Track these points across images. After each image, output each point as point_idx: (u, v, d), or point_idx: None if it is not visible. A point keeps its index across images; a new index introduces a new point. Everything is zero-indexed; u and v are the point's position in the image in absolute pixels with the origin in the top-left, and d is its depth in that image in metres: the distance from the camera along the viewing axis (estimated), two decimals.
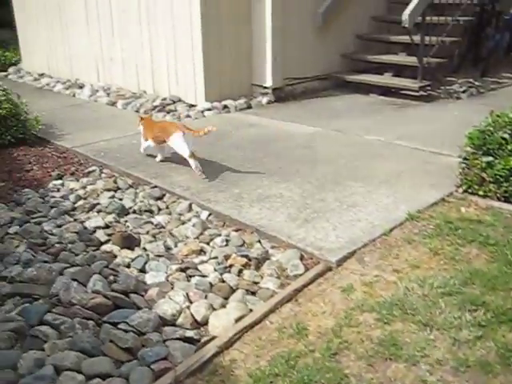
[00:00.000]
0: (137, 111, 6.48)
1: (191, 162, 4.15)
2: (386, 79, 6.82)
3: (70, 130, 5.79)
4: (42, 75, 9.24)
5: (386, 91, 6.74)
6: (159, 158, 4.60)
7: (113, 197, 3.99)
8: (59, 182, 4.39)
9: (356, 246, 3.06)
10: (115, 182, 4.22)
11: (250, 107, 6.36)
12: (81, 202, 3.94)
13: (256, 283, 2.87)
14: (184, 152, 4.18)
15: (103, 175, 4.47)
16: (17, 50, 10.36)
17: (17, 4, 9.73)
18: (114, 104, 6.91)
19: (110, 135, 5.48)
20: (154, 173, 4.31)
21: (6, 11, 10.17)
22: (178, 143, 4.20)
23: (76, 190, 4.16)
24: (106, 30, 7.55)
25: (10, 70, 9.98)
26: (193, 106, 6.41)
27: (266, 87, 6.53)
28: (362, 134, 5.12)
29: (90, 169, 4.60)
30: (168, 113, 6.20)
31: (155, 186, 4.08)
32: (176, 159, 4.50)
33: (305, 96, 6.80)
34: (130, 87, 7.38)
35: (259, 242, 3.25)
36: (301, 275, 2.88)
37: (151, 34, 6.78)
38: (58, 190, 4.18)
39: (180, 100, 6.59)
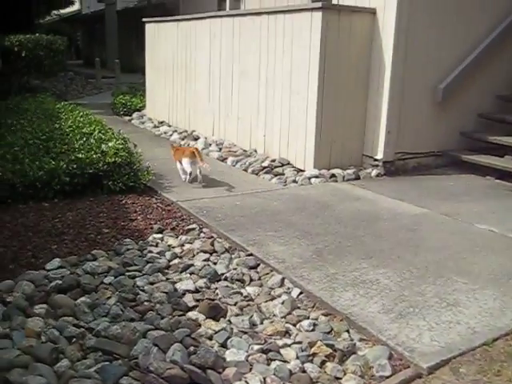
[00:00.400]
0: (245, 170, 6.56)
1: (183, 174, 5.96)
2: (506, 162, 6.44)
3: (177, 182, 5.96)
4: (161, 123, 9.70)
5: (504, 175, 6.36)
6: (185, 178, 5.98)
7: (207, 260, 3.99)
8: (159, 235, 4.47)
9: (452, 353, 2.80)
10: (212, 244, 4.22)
11: (357, 178, 6.23)
12: (176, 261, 3.97)
13: (338, 379, 2.69)
14: (186, 169, 5.86)
15: (202, 235, 4.50)
16: (143, 96, 10.99)
17: (148, 55, 10.36)
18: (223, 160, 7.06)
19: (214, 193, 5.57)
20: (251, 239, 4.27)
21: (142, 58, 10.87)
22: (184, 163, 5.87)
23: (173, 248, 4.22)
24: (225, 87, 7.80)
25: (134, 115, 10.58)
26: (301, 170, 6.40)
27: (376, 159, 6.39)
28: (472, 222, 4.82)
29: (191, 226, 4.66)
30: (275, 175, 6.22)
31: (251, 254, 4.03)
32: (270, 217, 4.46)
33: (416, 172, 6.57)
34: (242, 144, 7.52)
35: (348, 331, 3.08)
36: (387, 377, 2.67)
37: (268, 96, 6.91)
38: (157, 245, 4.25)
39: (289, 163, 6.60)
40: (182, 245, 4.28)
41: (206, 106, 8.33)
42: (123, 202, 5.33)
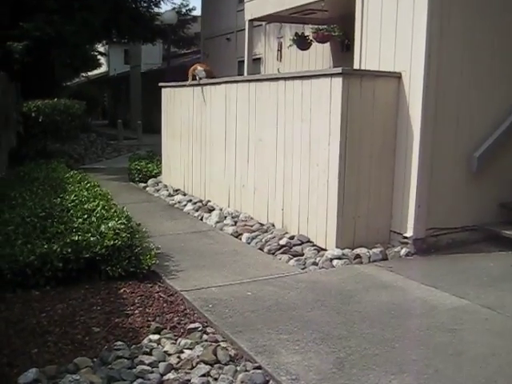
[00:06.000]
0: (260, 249, 5.98)
1: None
2: None
3: (185, 265, 5.40)
4: (177, 191, 9.24)
5: None
6: None
7: (207, 374, 3.36)
8: (156, 337, 3.89)
9: None
10: (215, 351, 3.59)
11: (385, 258, 5.58)
12: (170, 375, 3.36)
13: None
14: None
15: (205, 336, 3.88)
16: (160, 162, 10.60)
17: (164, 120, 10.04)
18: (238, 236, 6.50)
19: (223, 279, 4.98)
20: (261, 345, 3.64)
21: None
22: None
23: (170, 355, 3.61)
24: (241, 156, 7.33)
25: (150, 181, 10.17)
26: (322, 249, 5.78)
27: (405, 237, 5.75)
28: None
29: (193, 325, 4.05)
30: (293, 256, 5.61)
31: (259, 367, 3.39)
32: (284, 314, 3.82)
33: (451, 249, 5.89)
34: (258, 217, 6.97)
35: None
36: None
37: (286, 166, 6.39)
38: (151, 352, 3.64)
39: (309, 241, 5.99)
40: (181, 351, 3.68)
41: (222, 176, 7.84)
42: (121, 290, 4.76)
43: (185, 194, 8.96)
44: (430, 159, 5.74)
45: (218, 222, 7.08)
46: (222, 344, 3.76)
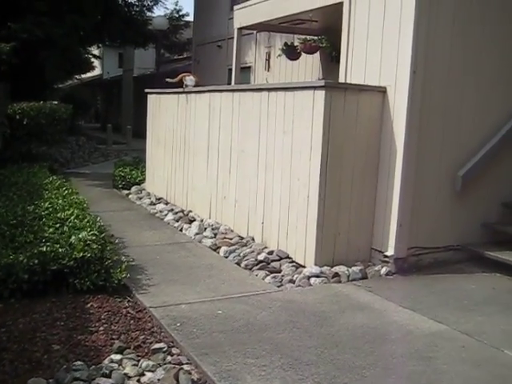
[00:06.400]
0: (238, 263, 5.82)
1: None
2: None
3: (157, 279, 5.22)
4: (159, 199, 9.09)
5: None
6: None
7: None
8: (118, 357, 3.71)
9: None
10: (177, 376, 3.42)
11: (365, 277, 5.43)
12: None
13: None
14: None
15: (169, 358, 3.71)
16: (145, 168, 10.42)
17: (149, 126, 9.89)
18: (216, 249, 6.33)
19: (195, 295, 4.81)
20: (226, 369, 3.47)
21: None
22: None
23: (129, 378, 3.45)
24: (223, 166, 7.18)
25: (133, 189, 10.01)
26: (301, 266, 5.63)
27: (386, 256, 5.60)
28: (500, 346, 3.96)
29: (158, 345, 3.88)
30: (270, 273, 5.45)
31: None
32: (254, 335, 3.66)
33: (432, 269, 5.74)
34: (239, 230, 6.81)
35: None
36: None
37: (267, 179, 6.24)
38: (110, 374, 3.46)
39: (288, 257, 5.84)
40: (142, 374, 3.51)
41: (204, 186, 7.69)
42: (88, 305, 4.58)
43: (167, 203, 8.79)
44: (414, 177, 5.60)
45: (197, 234, 6.91)
46: (186, 367, 3.59)
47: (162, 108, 9.35)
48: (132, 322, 4.33)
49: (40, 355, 3.71)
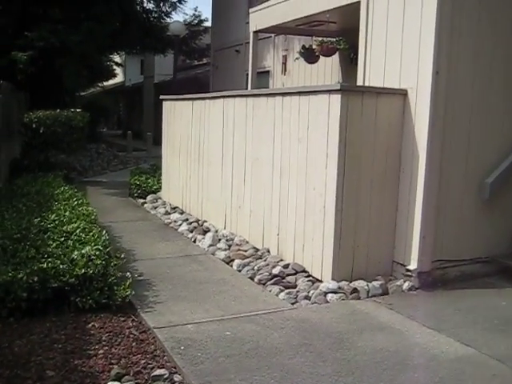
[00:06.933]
0: (251, 278, 5.51)
1: None
2: None
3: (165, 295, 4.95)
4: (174, 209, 8.84)
5: None
6: None
7: None
8: None
9: None
10: None
11: (385, 293, 5.08)
12: None
13: None
14: None
15: None
16: (161, 176, 10.20)
17: (165, 134, 9.67)
18: (230, 262, 6.03)
19: (204, 314, 4.51)
20: None
21: None
22: None
23: None
24: (238, 175, 6.89)
25: (149, 197, 9.78)
26: (318, 280, 5.31)
27: (409, 270, 5.24)
28: None
29: (159, 371, 3.59)
30: (285, 288, 5.13)
31: None
32: (263, 361, 3.34)
33: (459, 284, 5.37)
34: (254, 242, 6.51)
35: None
36: None
37: (282, 188, 5.93)
38: None
39: (304, 270, 5.52)
40: None
41: (219, 195, 7.41)
42: (90, 325, 4.32)
43: (182, 213, 8.54)
44: (438, 185, 5.24)
45: (210, 246, 6.63)
46: None
47: (176, 115, 9.11)
48: (134, 344, 4.05)
49: (32, 382, 3.47)
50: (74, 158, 14.47)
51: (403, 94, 5.31)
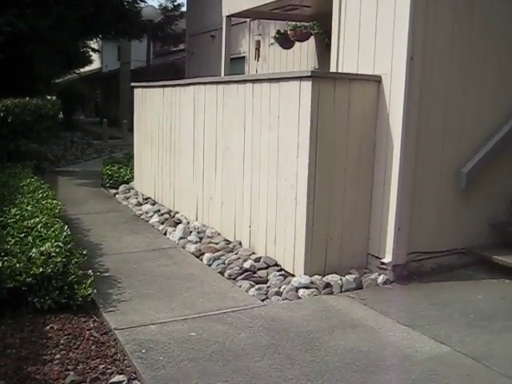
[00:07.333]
0: (221, 273, 5.31)
1: None
2: None
3: (130, 293, 4.73)
4: (147, 199, 8.60)
5: None
6: None
7: None
8: None
9: None
10: None
11: (359, 287, 4.91)
12: None
13: None
14: None
15: None
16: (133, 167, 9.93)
17: (136, 122, 9.39)
18: (200, 256, 5.83)
19: (169, 313, 4.31)
20: None
21: None
22: None
23: None
24: (209, 165, 6.66)
25: (121, 188, 9.54)
26: (290, 274, 5.12)
27: (383, 263, 5.08)
28: None
29: (117, 378, 3.38)
30: (256, 283, 4.94)
31: None
32: (228, 364, 3.16)
33: (435, 276, 5.22)
34: (226, 234, 6.30)
35: None
36: None
37: (253, 179, 5.73)
38: None
39: (276, 264, 5.33)
40: None
41: (190, 186, 7.18)
42: (48, 327, 4.09)
43: (154, 203, 8.30)
44: (413, 175, 5.07)
45: (181, 238, 6.41)
46: None
47: (148, 103, 8.83)
48: (94, 347, 3.83)
49: None
50: (47, 147, 14.12)
51: (377, 80, 5.12)
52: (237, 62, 11.44)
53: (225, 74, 8.77)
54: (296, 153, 4.99)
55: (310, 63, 9.12)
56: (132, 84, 9.54)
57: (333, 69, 5.62)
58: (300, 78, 4.90)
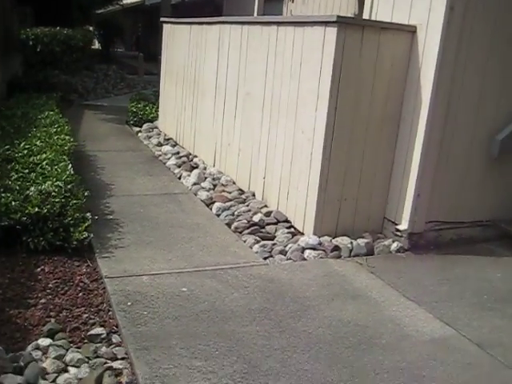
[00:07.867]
0: (228, 225, 5.09)
1: None
2: None
3: (130, 239, 4.57)
4: (168, 140, 8.39)
5: None
6: None
7: None
8: (46, 342, 3.10)
9: None
10: (100, 380, 2.77)
11: (370, 253, 4.63)
12: None
13: None
14: None
15: (103, 350, 3.06)
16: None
17: (164, 59, 9.07)
18: (210, 204, 5.60)
19: (164, 264, 4.13)
20: (162, 373, 2.81)
21: None
22: None
23: (46, 375, 2.81)
24: (229, 109, 6.36)
25: (145, 126, 9.33)
26: (299, 233, 4.88)
27: (398, 230, 4.77)
28: None
29: (96, 330, 3.23)
30: (261, 239, 4.71)
31: None
32: (214, 327, 2.97)
33: (453, 248, 4.90)
34: (240, 183, 6.06)
35: None
36: None
37: (271, 128, 5.42)
38: (23, 369, 2.83)
39: (286, 220, 5.08)
40: (63, 370, 2.87)
41: (210, 130, 6.90)
42: (39, 269, 3.96)
43: (175, 145, 8.08)
44: (441, 138, 4.69)
45: (195, 184, 6.19)
46: (119, 364, 2.94)
47: (175, 40, 8.47)
48: (81, 294, 3.69)
49: None
50: (79, 79, 13.92)
51: (411, 31, 4.67)
52: (275, 3, 10.89)
53: (258, 15, 8.31)
54: (315, 105, 4.64)
55: (350, 9, 8.56)
56: (161, 19, 9.16)
57: (366, 16, 5.17)
58: (326, 24, 4.49)
